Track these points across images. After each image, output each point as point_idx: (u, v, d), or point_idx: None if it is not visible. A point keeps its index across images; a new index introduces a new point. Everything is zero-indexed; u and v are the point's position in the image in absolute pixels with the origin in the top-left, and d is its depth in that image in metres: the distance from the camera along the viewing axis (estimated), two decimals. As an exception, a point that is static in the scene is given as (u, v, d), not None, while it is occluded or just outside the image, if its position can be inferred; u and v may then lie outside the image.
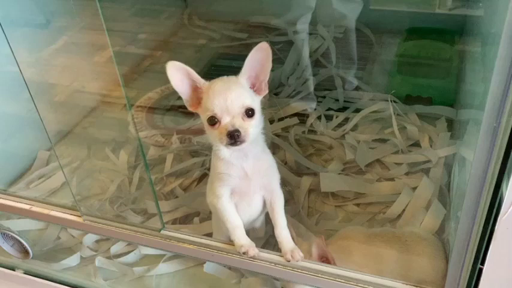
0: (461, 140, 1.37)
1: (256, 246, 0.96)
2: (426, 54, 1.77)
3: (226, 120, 0.87)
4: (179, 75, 0.90)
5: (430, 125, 1.53)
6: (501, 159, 0.60)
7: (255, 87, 0.92)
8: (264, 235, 1.16)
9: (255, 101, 0.90)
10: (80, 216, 1.06)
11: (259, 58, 0.89)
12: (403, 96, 1.63)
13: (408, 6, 1.92)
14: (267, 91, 0.93)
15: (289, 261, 0.93)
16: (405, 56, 1.78)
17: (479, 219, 0.66)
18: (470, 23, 1.71)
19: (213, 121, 0.88)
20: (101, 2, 0.98)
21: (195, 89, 0.91)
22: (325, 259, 0.96)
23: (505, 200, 0.62)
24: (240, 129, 0.86)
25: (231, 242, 0.98)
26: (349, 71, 1.81)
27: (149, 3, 2.38)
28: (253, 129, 0.89)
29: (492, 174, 0.62)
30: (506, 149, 0.60)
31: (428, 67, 1.73)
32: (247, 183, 0.99)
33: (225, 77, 0.92)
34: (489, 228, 0.67)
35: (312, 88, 1.76)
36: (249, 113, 0.88)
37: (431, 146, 1.45)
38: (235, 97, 0.86)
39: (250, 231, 1.04)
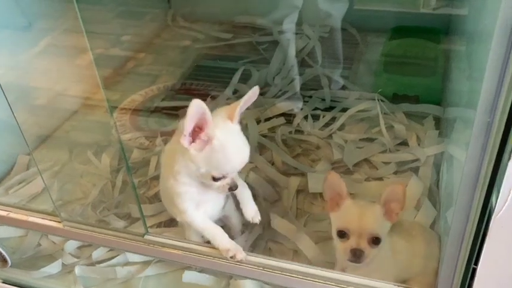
0: (449, 138, 1.36)
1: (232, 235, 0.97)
2: (412, 53, 1.77)
3: None
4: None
5: (418, 123, 1.52)
6: (495, 156, 0.58)
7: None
8: (240, 230, 1.16)
9: None
10: (59, 222, 1.02)
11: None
12: (390, 95, 1.61)
13: (393, 6, 1.92)
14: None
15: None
16: (391, 55, 1.77)
17: (473, 217, 0.64)
18: (455, 22, 1.72)
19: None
20: (83, 4, 0.95)
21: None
22: (337, 196, 0.94)
23: (499, 198, 0.60)
24: None
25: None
26: (335, 71, 1.80)
27: (132, 5, 2.35)
28: None
29: (486, 171, 0.60)
30: (500, 145, 0.58)
31: (415, 66, 1.72)
32: (210, 194, 0.98)
33: None
34: (483, 227, 0.65)
35: (298, 88, 1.75)
36: None
37: (419, 145, 1.43)
38: None
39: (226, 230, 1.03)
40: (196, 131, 0.86)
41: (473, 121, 0.57)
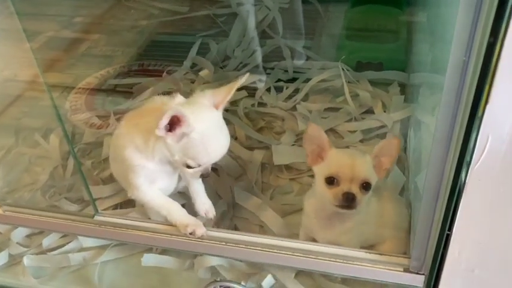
0: (415, 103, 1.33)
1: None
2: (374, 20, 1.72)
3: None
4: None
5: (383, 90, 1.48)
6: (471, 100, 0.53)
7: None
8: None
9: None
10: (-1, 208, 0.92)
11: None
12: (353, 63, 1.57)
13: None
14: None
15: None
16: (353, 22, 1.73)
17: (449, 170, 0.59)
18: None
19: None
20: None
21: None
22: (318, 148, 0.90)
23: (476, 147, 0.55)
24: None
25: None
26: (297, 41, 1.74)
27: (83, -16, 2.23)
28: None
29: (462, 119, 0.55)
30: (476, 88, 0.52)
31: (378, 32, 1.68)
32: (168, 172, 0.93)
33: None
34: (459, 182, 0.60)
35: (259, 60, 1.68)
36: None
37: (385, 111, 1.39)
38: None
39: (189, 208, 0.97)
40: (174, 122, 0.80)
41: (447, 62, 0.51)
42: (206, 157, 0.84)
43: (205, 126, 0.82)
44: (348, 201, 0.84)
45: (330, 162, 0.90)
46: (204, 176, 0.88)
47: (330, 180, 0.87)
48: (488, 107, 0.52)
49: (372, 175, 0.88)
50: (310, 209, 0.98)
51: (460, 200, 0.61)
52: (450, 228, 0.64)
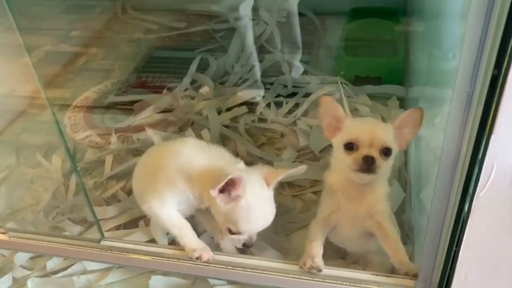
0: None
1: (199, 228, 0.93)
2: (371, 34, 1.74)
3: None
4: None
5: (382, 104, 1.49)
6: (476, 130, 0.54)
7: None
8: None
9: None
10: (4, 233, 0.91)
11: None
12: (352, 77, 1.58)
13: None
14: None
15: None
16: (350, 37, 1.74)
17: (454, 196, 0.60)
18: (413, 1, 1.69)
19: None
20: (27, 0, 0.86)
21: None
22: (334, 120, 0.90)
23: (482, 175, 0.56)
24: None
25: (181, 247, 0.88)
26: (295, 56, 1.75)
27: (79, -1, 2.24)
28: None
29: (467, 148, 0.55)
30: (481, 119, 0.53)
31: (375, 47, 1.70)
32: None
33: None
34: (465, 208, 0.60)
35: (258, 75, 1.69)
36: None
37: (385, 126, 1.40)
38: None
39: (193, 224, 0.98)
40: (229, 184, 0.82)
41: (451, 96, 0.52)
42: (247, 225, 0.86)
43: (255, 196, 0.85)
44: (368, 164, 0.83)
45: (348, 129, 0.88)
46: (247, 246, 0.90)
47: (349, 146, 0.86)
48: (492, 137, 0.53)
49: (392, 142, 0.86)
50: (332, 183, 0.95)
51: (466, 225, 0.62)
52: (457, 252, 0.65)
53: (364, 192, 0.90)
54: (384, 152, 0.85)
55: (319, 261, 0.86)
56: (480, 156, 0.55)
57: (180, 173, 0.90)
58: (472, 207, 0.59)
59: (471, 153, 0.56)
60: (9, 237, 0.91)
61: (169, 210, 0.91)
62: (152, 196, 0.93)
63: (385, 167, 0.86)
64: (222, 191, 0.82)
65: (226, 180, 0.79)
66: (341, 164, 0.88)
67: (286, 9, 1.83)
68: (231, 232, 0.86)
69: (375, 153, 0.84)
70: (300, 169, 0.89)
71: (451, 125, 0.55)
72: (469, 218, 0.60)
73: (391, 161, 0.87)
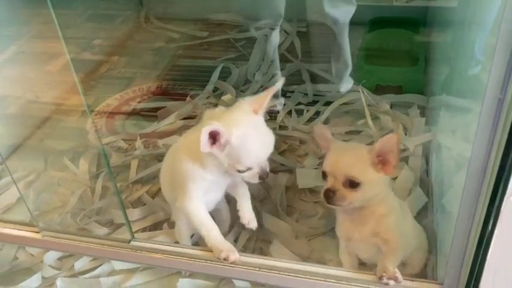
0: (436, 126, 1.35)
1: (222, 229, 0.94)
2: (392, 44, 1.76)
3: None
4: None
5: (403, 113, 1.50)
6: (506, 134, 0.55)
7: None
8: (230, 225, 1.15)
9: None
10: (38, 233, 0.95)
11: None
12: (373, 86, 1.60)
13: (367, 1, 1.90)
14: None
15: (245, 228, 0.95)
16: (371, 46, 1.75)
17: (483, 200, 0.61)
18: (435, 12, 1.71)
19: None
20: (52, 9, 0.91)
21: None
22: (327, 143, 0.92)
23: (511, 180, 0.57)
24: None
25: (208, 248, 0.90)
26: (316, 65, 1.77)
27: (103, 8, 2.30)
28: None
29: (496, 153, 0.57)
30: None
31: (395, 56, 1.71)
32: (223, 179, 0.96)
33: None
34: (493, 212, 0.62)
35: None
36: None
37: (406, 134, 1.41)
38: None
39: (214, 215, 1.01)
40: (214, 134, 0.84)
41: (482, 100, 0.54)
42: (249, 158, 0.87)
43: (243, 130, 0.86)
44: (327, 198, 0.84)
45: (326, 157, 0.90)
46: (262, 178, 0.90)
47: (323, 175, 0.88)
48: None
49: (360, 171, 0.85)
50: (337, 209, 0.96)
51: (494, 229, 0.63)
52: (484, 256, 0.66)
53: (363, 215, 0.90)
54: (348, 184, 0.84)
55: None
56: (510, 160, 0.56)
57: (190, 165, 0.92)
58: (501, 211, 0.60)
59: (501, 155, 0.57)
60: (42, 236, 0.94)
61: (198, 210, 0.93)
62: (182, 196, 0.95)
63: (358, 196, 0.85)
64: (213, 142, 0.84)
65: (204, 135, 0.81)
66: None
67: (308, 19, 1.85)
68: (241, 171, 0.88)
69: (338, 186, 0.84)
70: (279, 83, 0.93)
71: (481, 130, 0.56)
72: (498, 222, 0.61)
73: (365, 191, 0.85)
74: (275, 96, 1.67)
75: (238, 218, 0.99)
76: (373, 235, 0.90)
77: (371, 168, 0.85)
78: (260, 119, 0.90)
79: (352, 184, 0.84)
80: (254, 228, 0.98)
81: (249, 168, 0.88)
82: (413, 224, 1.03)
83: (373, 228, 0.90)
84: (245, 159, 0.86)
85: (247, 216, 0.97)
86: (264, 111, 0.91)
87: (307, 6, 1.54)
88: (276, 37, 1.86)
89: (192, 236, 1.11)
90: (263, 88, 1.70)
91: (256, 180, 0.90)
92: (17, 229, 0.98)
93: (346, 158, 0.87)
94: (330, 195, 0.84)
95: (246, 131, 0.86)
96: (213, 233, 0.91)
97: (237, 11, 2.10)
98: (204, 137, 0.82)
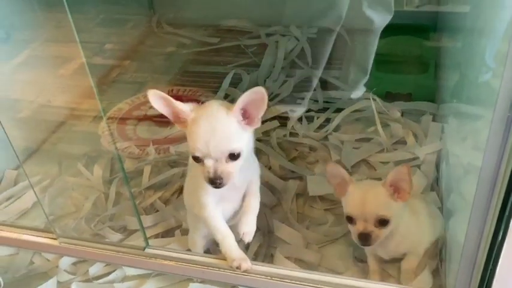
0: (445, 133, 1.35)
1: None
2: (402, 51, 1.76)
3: (209, 163, 0.85)
4: (161, 104, 0.89)
5: (413, 121, 1.50)
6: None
7: (246, 121, 0.87)
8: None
9: (242, 139, 0.87)
10: (55, 239, 0.97)
11: (254, 100, 0.85)
12: (383, 93, 1.60)
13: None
14: (259, 124, 0.89)
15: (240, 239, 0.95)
16: (381, 53, 1.76)
17: (493, 211, 0.62)
18: (446, 18, 1.71)
19: (196, 159, 0.86)
20: (64, 13, 0.93)
21: (179, 116, 0.88)
22: (342, 181, 0.96)
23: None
24: (222, 174, 0.85)
25: (220, 256, 0.92)
26: (326, 71, 1.78)
27: (115, 12, 2.32)
28: (237, 169, 0.87)
29: (506, 165, 0.58)
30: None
31: (406, 63, 1.72)
32: (234, 191, 0.96)
33: (214, 108, 0.87)
34: (503, 223, 0.63)
35: (290, 90, 1.72)
36: (233, 156, 0.85)
37: (416, 142, 1.42)
38: (219, 142, 0.84)
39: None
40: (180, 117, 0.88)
41: (493, 106, 0.55)
42: (192, 143, 0.85)
43: (201, 114, 0.86)
44: (364, 241, 0.89)
45: (347, 200, 0.95)
46: (211, 182, 0.86)
47: (349, 219, 0.93)
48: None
49: (387, 208, 0.91)
50: None
51: (504, 241, 0.64)
52: (493, 268, 0.67)
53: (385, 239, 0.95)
54: (380, 223, 0.90)
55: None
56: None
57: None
58: (511, 224, 0.61)
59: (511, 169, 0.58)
60: (59, 242, 0.96)
61: (214, 215, 0.95)
62: (196, 204, 0.97)
63: (388, 231, 0.91)
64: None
65: (152, 96, 0.86)
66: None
67: (317, 26, 1.86)
68: (194, 159, 0.87)
69: (370, 228, 0.90)
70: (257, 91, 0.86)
71: (491, 143, 0.57)
72: (507, 234, 0.62)
73: (393, 223, 0.91)
74: (290, 102, 1.69)
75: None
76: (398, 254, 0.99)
77: (392, 201, 0.92)
78: (224, 115, 0.86)
79: (383, 222, 0.90)
80: (246, 242, 0.98)
81: (200, 159, 0.86)
82: (427, 217, 1.06)
83: (395, 249, 0.99)
84: (190, 142, 0.86)
85: (245, 228, 0.96)
86: (239, 112, 0.87)
87: (347, 13, 1.53)
88: (286, 43, 1.88)
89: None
90: (274, 95, 1.72)
91: (206, 180, 0.86)
92: (35, 235, 1.00)
93: (371, 198, 0.92)
94: (366, 238, 0.89)
95: (198, 117, 0.86)
96: (227, 240, 0.92)
97: (248, 17, 2.11)
98: (152, 98, 0.87)
